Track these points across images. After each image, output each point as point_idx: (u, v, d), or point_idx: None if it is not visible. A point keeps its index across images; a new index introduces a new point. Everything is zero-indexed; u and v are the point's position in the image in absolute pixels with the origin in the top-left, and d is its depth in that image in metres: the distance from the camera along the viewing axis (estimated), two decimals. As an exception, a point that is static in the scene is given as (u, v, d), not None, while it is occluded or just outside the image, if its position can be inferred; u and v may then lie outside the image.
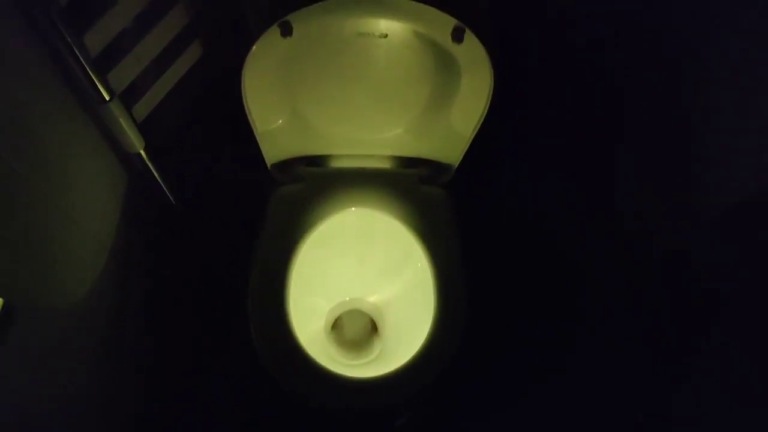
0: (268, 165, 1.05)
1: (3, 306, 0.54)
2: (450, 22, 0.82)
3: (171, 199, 1.02)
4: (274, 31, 0.81)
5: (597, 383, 0.94)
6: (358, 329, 1.20)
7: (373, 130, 1.02)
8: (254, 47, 0.83)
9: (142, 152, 0.88)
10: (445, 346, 0.89)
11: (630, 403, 0.84)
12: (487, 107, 0.93)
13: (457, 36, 0.83)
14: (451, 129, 0.99)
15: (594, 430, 0.94)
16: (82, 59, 0.71)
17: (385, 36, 0.84)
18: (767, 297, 0.57)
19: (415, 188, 1.05)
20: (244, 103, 0.90)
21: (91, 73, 0.73)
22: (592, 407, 0.95)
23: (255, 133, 0.97)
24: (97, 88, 0.75)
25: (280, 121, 0.98)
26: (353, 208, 1.02)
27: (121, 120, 0.80)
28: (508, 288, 1.26)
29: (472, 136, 0.99)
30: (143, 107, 0.88)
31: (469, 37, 0.83)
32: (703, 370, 0.67)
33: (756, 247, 0.59)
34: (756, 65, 0.56)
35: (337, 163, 1.08)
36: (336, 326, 1.20)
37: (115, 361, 0.92)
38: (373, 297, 1.18)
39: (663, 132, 0.73)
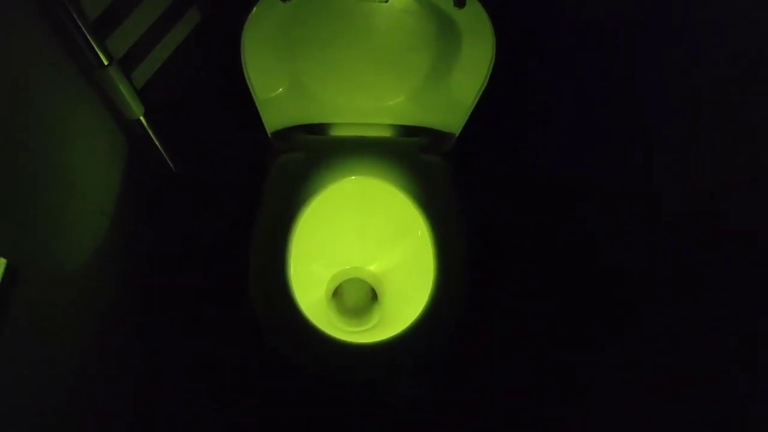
0: (269, 133, 1.05)
1: (6, 266, 0.54)
2: (452, -15, 0.81)
3: (171, 166, 1.02)
4: (273, -5, 0.80)
5: (602, 351, 0.95)
6: (359, 298, 1.21)
7: (373, 97, 1.02)
8: (253, 11, 0.82)
9: (142, 118, 0.87)
10: (444, 314, 0.90)
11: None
12: (489, 74, 0.93)
13: (459, 0, 0.82)
14: (453, 97, 0.98)
15: (595, 391, 0.96)
16: (80, 23, 0.70)
17: (386, 0, 0.83)
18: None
19: (415, 157, 1.05)
20: (243, 70, 0.90)
21: (89, 37, 0.72)
22: (596, 373, 0.96)
23: (255, 101, 0.96)
24: (96, 52, 0.74)
25: (280, 89, 0.97)
26: (354, 177, 1.02)
27: (120, 85, 0.79)
28: (508, 257, 1.27)
29: (474, 104, 0.98)
30: (142, 73, 0.87)
31: (471, 2, 0.82)
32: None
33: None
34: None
35: (337, 132, 1.08)
36: (336, 294, 1.21)
37: (117, 326, 0.93)
38: (374, 265, 1.19)
39: (674, 108, 0.72)
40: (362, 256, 1.18)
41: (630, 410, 0.82)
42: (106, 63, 0.76)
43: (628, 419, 0.82)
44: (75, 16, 0.69)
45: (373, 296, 1.20)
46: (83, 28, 0.71)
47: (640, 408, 0.78)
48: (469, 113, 1.01)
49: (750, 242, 0.59)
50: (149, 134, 0.92)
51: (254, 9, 0.82)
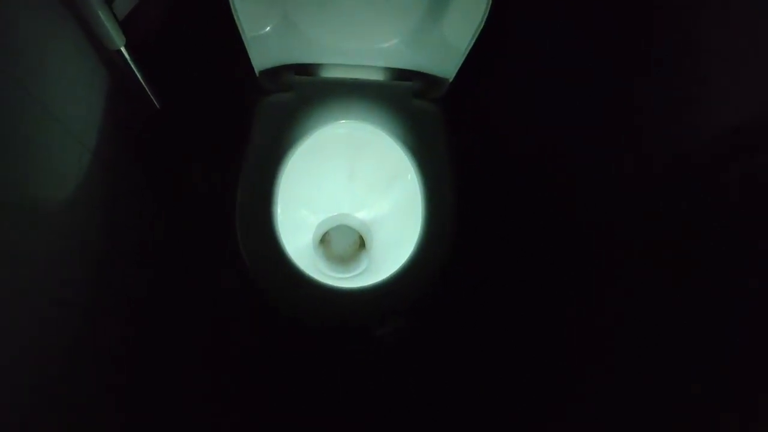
0: (256, 72, 1.01)
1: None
2: None
3: (154, 101, 0.98)
4: None
5: (582, 297, 0.96)
6: (346, 245, 1.21)
7: (366, 39, 0.98)
8: (241, -61, 0.78)
9: (123, 49, 0.84)
10: (431, 261, 0.90)
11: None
12: (485, 18, 0.89)
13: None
14: (448, 41, 0.95)
15: (570, 339, 0.97)
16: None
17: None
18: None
19: (407, 102, 1.02)
20: (231, 4, 0.86)
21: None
22: (579, 317, 0.97)
23: (243, 38, 0.93)
24: (73, -24, 0.71)
25: (269, 27, 0.93)
26: (344, 121, 1.00)
27: (100, 12, 0.76)
28: (497, 206, 1.27)
29: (469, 49, 0.95)
30: (125, 2, 0.83)
31: (470, -63, 0.78)
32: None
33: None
34: None
35: (328, 73, 1.05)
36: (324, 241, 1.21)
37: (104, 264, 0.92)
38: (362, 213, 1.18)
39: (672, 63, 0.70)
40: (350, 202, 1.18)
41: (618, 354, 0.83)
42: (84, -13, 0.72)
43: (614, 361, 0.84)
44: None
45: (361, 244, 1.20)
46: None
47: (630, 355, 0.79)
48: (464, 58, 0.98)
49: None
50: (131, 67, 0.88)
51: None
